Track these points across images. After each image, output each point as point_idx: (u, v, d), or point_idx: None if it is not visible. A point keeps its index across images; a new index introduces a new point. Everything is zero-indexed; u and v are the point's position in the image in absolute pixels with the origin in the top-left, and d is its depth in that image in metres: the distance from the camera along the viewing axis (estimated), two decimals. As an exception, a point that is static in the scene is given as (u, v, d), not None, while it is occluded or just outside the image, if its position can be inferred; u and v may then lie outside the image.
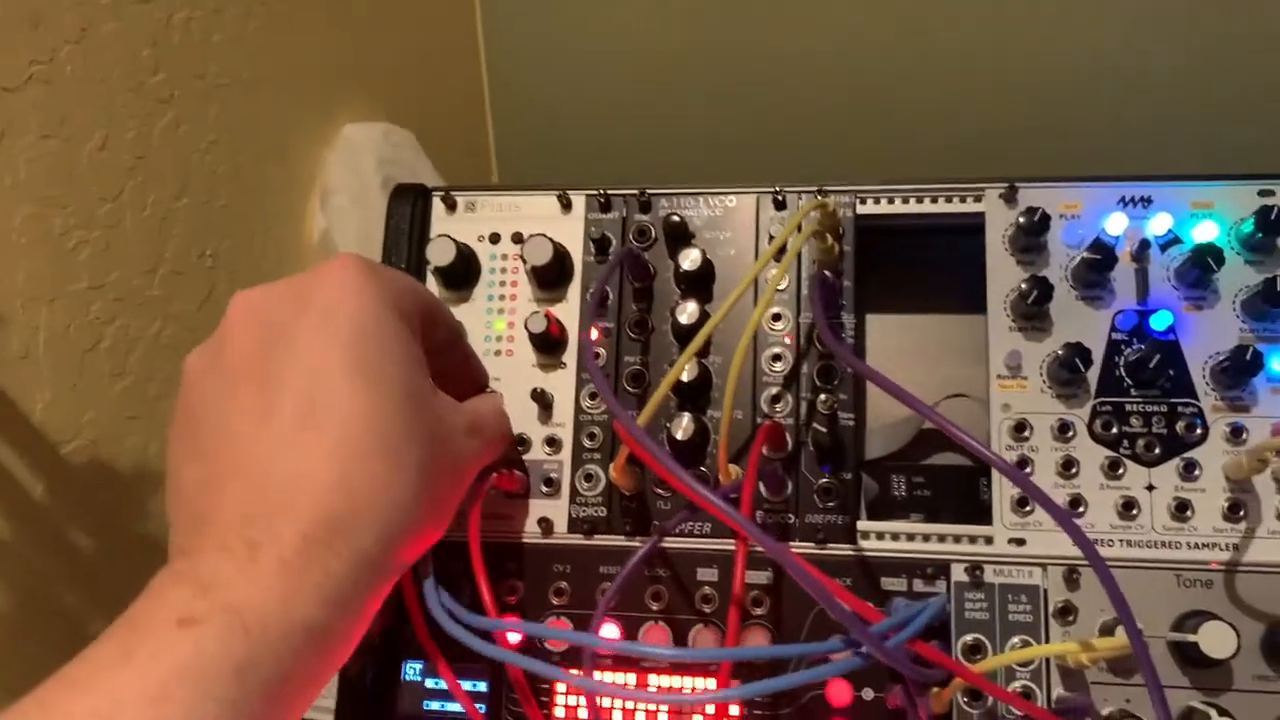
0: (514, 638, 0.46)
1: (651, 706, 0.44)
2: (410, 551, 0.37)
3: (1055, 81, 0.84)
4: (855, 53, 0.89)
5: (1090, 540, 0.34)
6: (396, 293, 0.38)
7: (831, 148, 0.94)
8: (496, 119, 1.03)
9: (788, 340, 0.47)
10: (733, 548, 0.41)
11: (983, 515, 0.45)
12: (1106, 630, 0.42)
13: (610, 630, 0.45)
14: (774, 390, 0.47)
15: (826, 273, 0.46)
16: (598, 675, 0.44)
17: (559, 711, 0.45)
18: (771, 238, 0.48)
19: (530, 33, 0.97)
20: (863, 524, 0.45)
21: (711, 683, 0.44)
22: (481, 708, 0.45)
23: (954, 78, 0.87)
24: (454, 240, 0.49)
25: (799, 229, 0.45)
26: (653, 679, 0.44)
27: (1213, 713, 0.39)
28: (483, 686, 0.46)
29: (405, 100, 0.87)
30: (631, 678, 0.45)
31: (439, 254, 0.49)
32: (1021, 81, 0.85)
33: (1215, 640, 0.39)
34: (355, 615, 0.34)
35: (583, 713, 0.44)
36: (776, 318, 0.48)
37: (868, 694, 0.43)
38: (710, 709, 0.43)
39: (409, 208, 0.51)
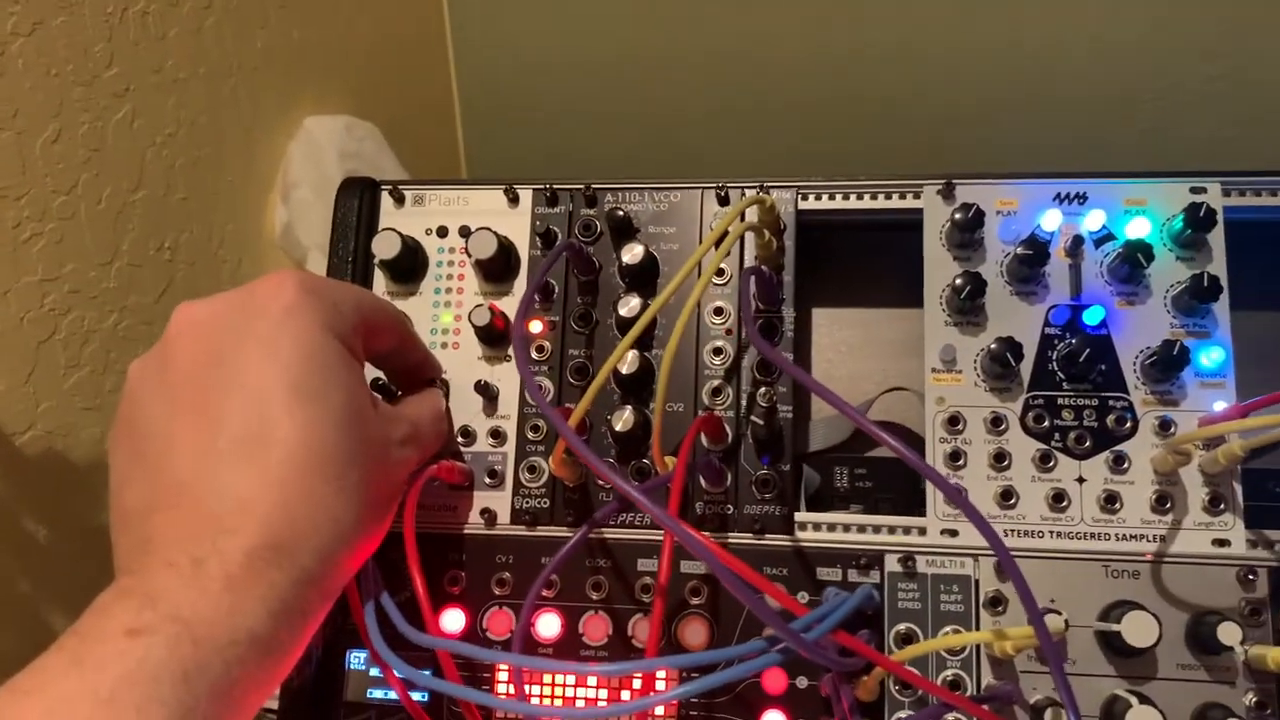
0: (457, 622, 0.46)
1: (592, 694, 0.45)
2: (352, 564, 0.38)
3: (999, 79, 0.85)
4: (821, 54, 0.89)
5: (989, 524, 0.34)
6: (337, 311, 0.38)
7: (820, 140, 0.95)
8: (465, 116, 1.03)
9: (728, 333, 0.48)
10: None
11: (924, 506, 0.45)
12: (1035, 620, 0.43)
13: (550, 621, 0.46)
14: (715, 383, 0.47)
15: (764, 268, 0.46)
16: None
17: (500, 689, 0.46)
18: (714, 231, 0.49)
19: (498, 29, 0.97)
20: (800, 515, 0.46)
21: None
22: (424, 696, 0.46)
23: (901, 77, 0.88)
24: (399, 234, 0.49)
25: (740, 219, 0.46)
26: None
27: (1134, 700, 0.40)
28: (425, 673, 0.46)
29: (372, 95, 0.87)
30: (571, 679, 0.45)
31: (384, 247, 0.49)
32: (965, 80, 0.86)
33: (1137, 629, 0.40)
34: (300, 627, 0.35)
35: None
36: (718, 311, 0.48)
37: (802, 682, 0.44)
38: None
39: (356, 201, 0.51)
